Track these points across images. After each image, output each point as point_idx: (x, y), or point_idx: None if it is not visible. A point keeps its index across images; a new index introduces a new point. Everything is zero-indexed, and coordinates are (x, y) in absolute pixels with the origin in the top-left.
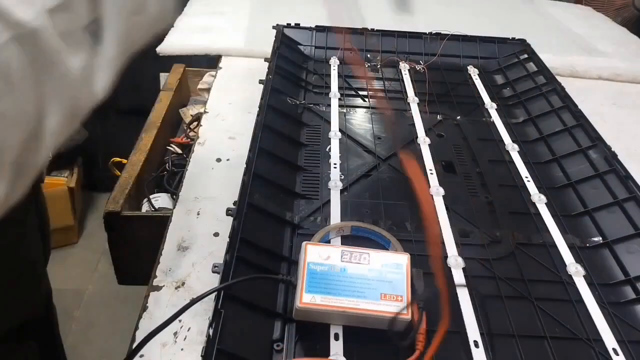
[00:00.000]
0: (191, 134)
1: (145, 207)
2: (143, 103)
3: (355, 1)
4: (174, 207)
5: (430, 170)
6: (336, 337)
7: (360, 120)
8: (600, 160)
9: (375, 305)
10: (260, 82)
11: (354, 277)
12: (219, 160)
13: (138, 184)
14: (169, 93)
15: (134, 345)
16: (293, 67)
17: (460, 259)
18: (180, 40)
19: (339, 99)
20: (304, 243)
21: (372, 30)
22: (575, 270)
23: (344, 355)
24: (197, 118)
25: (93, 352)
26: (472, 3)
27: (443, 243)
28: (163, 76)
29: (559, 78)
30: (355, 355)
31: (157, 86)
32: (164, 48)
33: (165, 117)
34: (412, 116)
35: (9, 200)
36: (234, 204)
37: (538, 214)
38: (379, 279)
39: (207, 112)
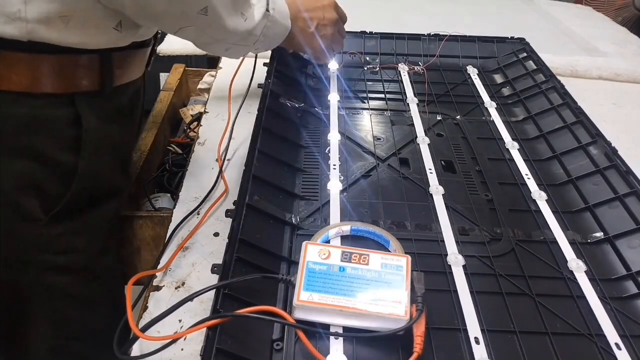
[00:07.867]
0: (191, 134)
1: (145, 207)
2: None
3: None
4: (174, 207)
5: (430, 169)
6: (336, 336)
7: (360, 121)
8: (601, 156)
9: (373, 305)
10: (260, 86)
11: (353, 277)
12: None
13: (138, 184)
14: (169, 93)
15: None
16: (292, 71)
17: (460, 257)
18: (180, 40)
19: (338, 101)
20: (304, 242)
21: (371, 33)
22: (577, 266)
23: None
24: (197, 118)
25: None
26: (473, 3)
27: (443, 241)
28: (163, 76)
29: (559, 78)
30: (355, 355)
31: (157, 86)
32: (164, 48)
33: (165, 117)
34: (412, 116)
35: None
36: (234, 203)
37: (539, 211)
38: (378, 280)
39: (207, 112)
